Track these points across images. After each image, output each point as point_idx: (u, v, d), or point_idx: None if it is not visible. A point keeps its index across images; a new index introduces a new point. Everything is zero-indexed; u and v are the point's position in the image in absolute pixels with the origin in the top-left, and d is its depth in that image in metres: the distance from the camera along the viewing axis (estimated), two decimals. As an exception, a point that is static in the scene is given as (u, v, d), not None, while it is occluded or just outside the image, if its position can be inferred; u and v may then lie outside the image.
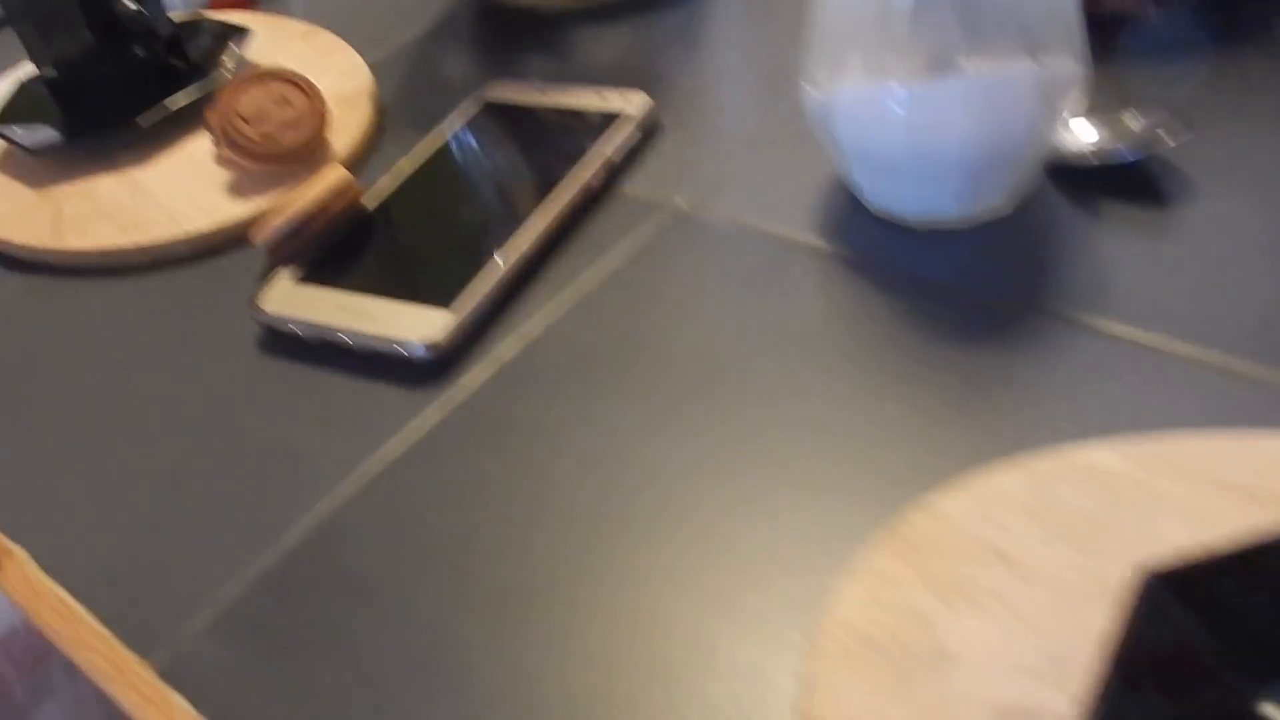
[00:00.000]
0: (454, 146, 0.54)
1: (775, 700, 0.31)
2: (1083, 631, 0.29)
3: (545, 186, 0.49)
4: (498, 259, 0.46)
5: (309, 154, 0.52)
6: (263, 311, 0.46)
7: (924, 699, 0.29)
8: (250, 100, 0.51)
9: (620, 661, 0.33)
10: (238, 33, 0.62)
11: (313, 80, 0.55)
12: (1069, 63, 0.42)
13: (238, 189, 0.53)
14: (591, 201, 0.50)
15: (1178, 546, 0.30)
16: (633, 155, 0.52)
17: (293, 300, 0.46)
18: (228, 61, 0.59)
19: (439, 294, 0.45)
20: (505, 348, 0.43)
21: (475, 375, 0.43)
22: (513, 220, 0.48)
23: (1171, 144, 0.45)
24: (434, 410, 0.41)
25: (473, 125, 0.55)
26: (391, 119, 0.59)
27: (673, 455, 0.38)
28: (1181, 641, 0.27)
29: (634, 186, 0.51)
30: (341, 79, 0.60)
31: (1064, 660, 0.29)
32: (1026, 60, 0.41)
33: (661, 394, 0.40)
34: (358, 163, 0.56)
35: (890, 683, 0.30)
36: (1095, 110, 0.47)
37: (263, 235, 0.47)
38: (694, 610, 0.34)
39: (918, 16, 0.40)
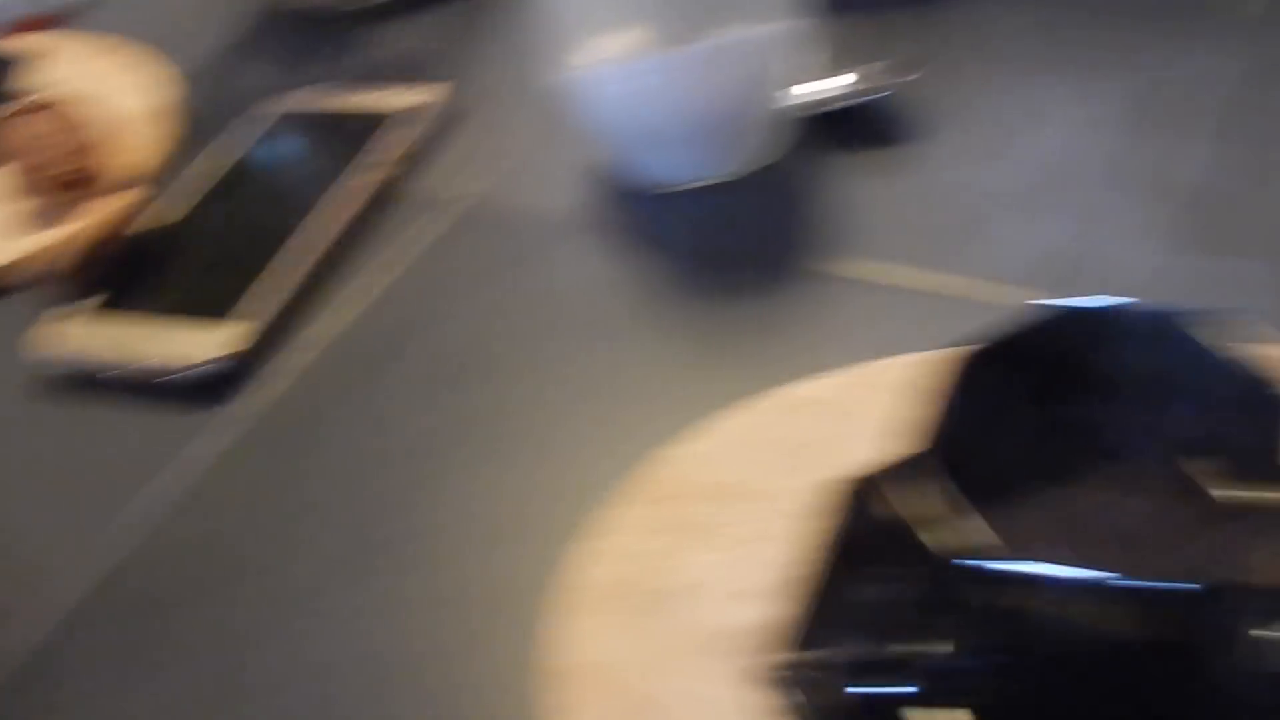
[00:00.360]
0: (252, 157, 0.55)
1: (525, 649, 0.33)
2: (804, 545, 0.31)
3: (340, 189, 0.50)
4: (291, 265, 0.47)
5: (88, 181, 0.52)
6: (48, 350, 0.45)
7: (662, 633, 0.32)
8: (22, 132, 0.51)
9: (402, 642, 0.34)
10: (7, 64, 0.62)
11: (115, 96, 0.55)
12: (796, 23, 0.45)
13: (23, 225, 0.53)
14: (387, 199, 0.51)
15: (873, 455, 0.32)
16: (426, 150, 0.54)
17: (82, 334, 0.46)
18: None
19: (234, 307, 0.45)
20: (300, 353, 0.45)
21: (273, 384, 0.44)
22: (308, 226, 0.49)
23: (907, 81, 0.48)
24: (229, 424, 0.42)
25: (270, 134, 0.56)
26: (198, 132, 0.59)
27: (445, 433, 0.40)
28: (883, 532, 0.29)
29: (428, 180, 0.52)
30: (145, 94, 0.60)
31: (790, 574, 0.31)
32: (758, 25, 0.44)
33: (440, 378, 0.42)
34: (159, 179, 0.56)
35: (629, 622, 0.32)
36: (837, 63, 0.49)
37: (46, 269, 0.47)
38: (463, 580, 0.35)
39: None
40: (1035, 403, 0.25)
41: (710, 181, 0.47)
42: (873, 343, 0.38)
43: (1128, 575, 0.22)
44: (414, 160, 0.53)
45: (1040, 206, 0.43)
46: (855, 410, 0.35)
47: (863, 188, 0.45)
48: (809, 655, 0.27)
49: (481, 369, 0.42)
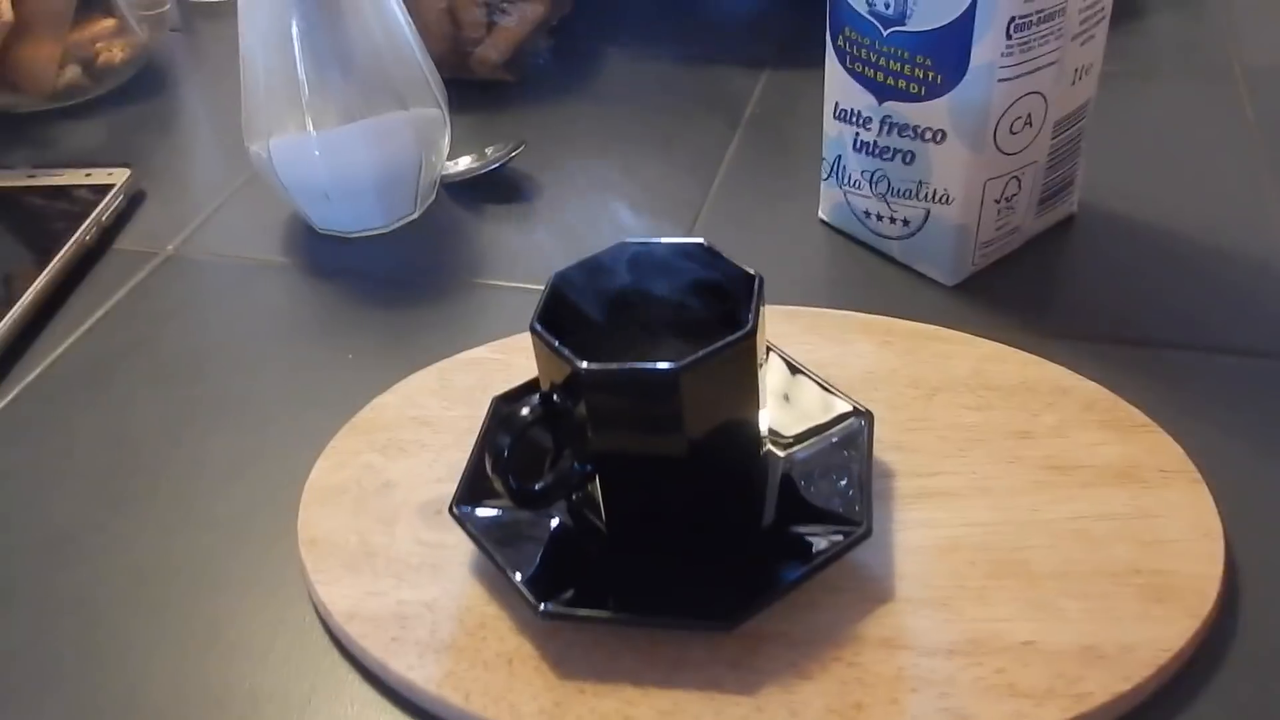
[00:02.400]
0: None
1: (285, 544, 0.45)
2: (471, 446, 0.46)
3: (41, 257, 0.60)
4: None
5: None
6: None
7: (376, 511, 0.45)
8: None
9: (172, 550, 0.46)
10: None
11: None
12: (436, 111, 0.61)
13: None
14: (87, 262, 0.62)
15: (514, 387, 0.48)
16: (122, 217, 0.65)
17: None
18: None
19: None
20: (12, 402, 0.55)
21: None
22: (9, 295, 0.57)
23: (512, 156, 0.65)
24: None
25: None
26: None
27: (182, 414, 0.52)
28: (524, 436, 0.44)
29: (125, 244, 0.64)
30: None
31: (461, 465, 0.45)
32: (403, 111, 0.59)
33: (165, 379, 0.54)
34: None
35: (352, 507, 0.45)
36: (463, 144, 0.66)
37: None
38: (206, 533, 0.47)
39: (317, 85, 0.57)
40: (609, 299, 0.42)
41: (376, 230, 0.62)
42: (510, 324, 0.54)
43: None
44: (113, 225, 0.64)
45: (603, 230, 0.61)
46: (507, 363, 0.51)
47: (490, 229, 0.62)
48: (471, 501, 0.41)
49: (212, 365, 0.54)
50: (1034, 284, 0.55)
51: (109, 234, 0.64)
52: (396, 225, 0.62)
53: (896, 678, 0.37)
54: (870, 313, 0.52)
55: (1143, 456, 0.44)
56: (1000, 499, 0.43)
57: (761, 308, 0.38)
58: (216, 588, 0.44)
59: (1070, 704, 0.36)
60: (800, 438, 0.44)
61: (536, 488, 0.39)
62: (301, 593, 0.43)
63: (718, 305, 0.41)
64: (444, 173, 0.64)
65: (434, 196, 0.64)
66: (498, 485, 0.38)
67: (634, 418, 0.38)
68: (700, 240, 0.41)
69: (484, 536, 0.41)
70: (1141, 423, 0.46)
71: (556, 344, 0.37)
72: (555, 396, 0.38)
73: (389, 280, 0.59)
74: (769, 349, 0.47)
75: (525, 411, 0.38)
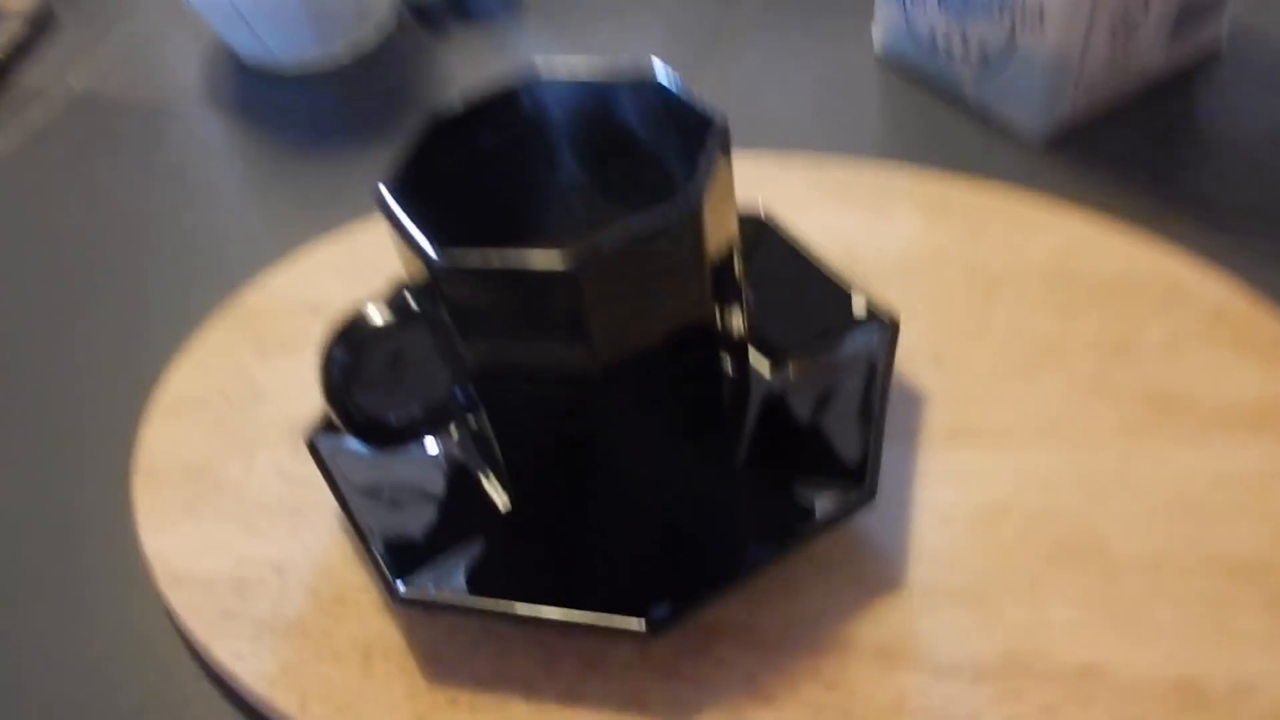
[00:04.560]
0: None
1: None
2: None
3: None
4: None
5: None
6: None
7: (237, 431, 0.34)
8: None
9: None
10: None
11: None
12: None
13: None
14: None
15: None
16: (25, 47, 0.54)
17: None
18: None
19: None
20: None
21: None
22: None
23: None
24: None
25: None
26: None
27: (34, 316, 0.41)
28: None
29: (25, 76, 0.53)
30: None
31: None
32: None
33: (36, 264, 0.43)
34: None
35: (209, 425, 0.35)
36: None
37: None
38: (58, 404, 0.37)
39: None
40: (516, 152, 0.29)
41: (316, 63, 0.50)
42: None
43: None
44: (12, 56, 0.53)
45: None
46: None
47: (461, 61, 0.49)
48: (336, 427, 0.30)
49: (98, 229, 0.43)
50: (1155, 143, 0.40)
51: (5, 66, 0.53)
52: (344, 57, 0.50)
53: (894, 710, 0.26)
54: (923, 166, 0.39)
55: (1290, 390, 0.31)
56: (1076, 446, 0.30)
57: (721, 168, 0.26)
58: (32, 528, 0.34)
59: (1150, 772, 0.24)
60: (795, 352, 0.32)
61: (393, 420, 0.28)
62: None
63: (677, 161, 0.28)
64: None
65: (395, 21, 0.52)
66: (333, 416, 0.27)
67: (521, 330, 0.26)
68: (647, 64, 0.28)
69: (348, 481, 0.30)
70: (1292, 340, 0.32)
71: (405, 221, 0.25)
72: (413, 298, 0.26)
73: (326, 125, 0.47)
74: (764, 220, 0.34)
75: (374, 316, 0.26)
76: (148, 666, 0.30)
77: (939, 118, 0.43)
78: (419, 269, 0.25)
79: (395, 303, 0.26)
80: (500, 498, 0.30)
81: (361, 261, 0.39)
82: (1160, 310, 0.33)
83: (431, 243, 0.25)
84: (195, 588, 0.31)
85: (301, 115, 0.48)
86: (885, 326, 0.31)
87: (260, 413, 0.35)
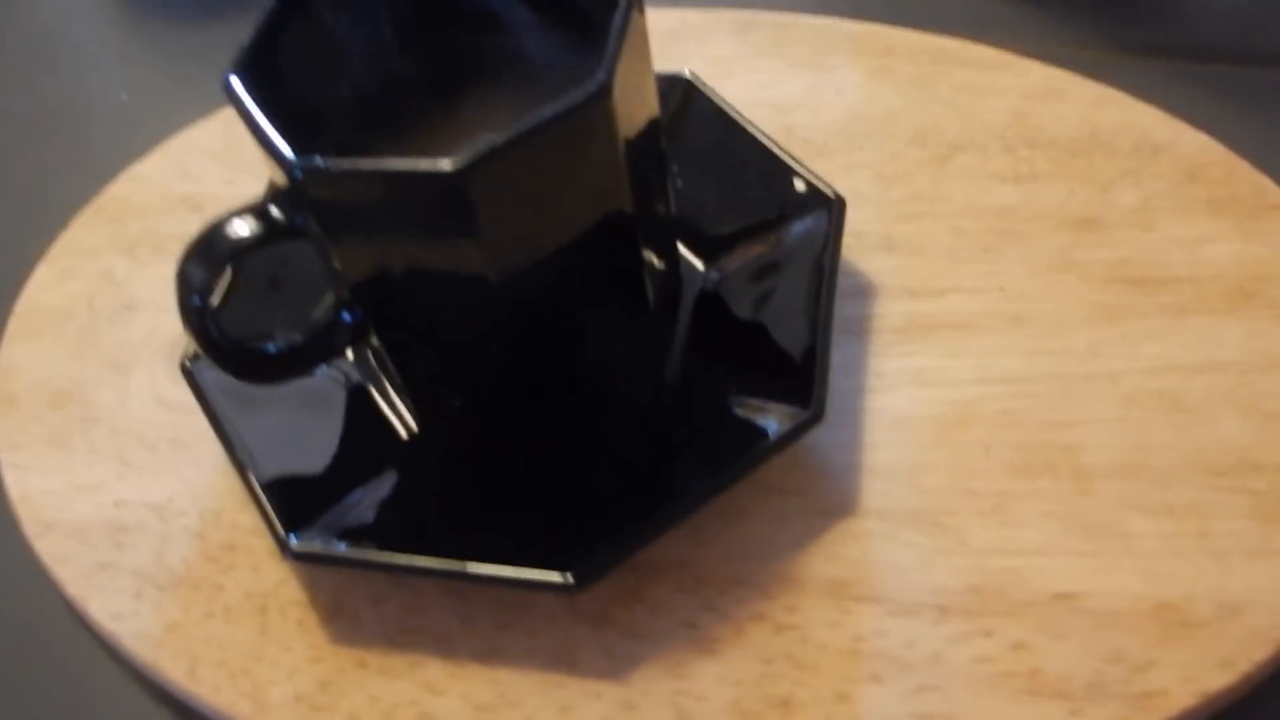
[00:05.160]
0: None
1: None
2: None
3: None
4: None
5: None
6: None
7: (107, 350, 0.30)
8: None
9: None
10: None
11: None
12: None
13: None
14: None
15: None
16: None
17: None
18: None
19: None
20: None
21: None
22: None
23: None
24: None
25: None
26: None
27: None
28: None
29: None
30: None
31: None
32: None
33: None
34: None
35: (75, 342, 0.31)
36: None
37: None
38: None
39: None
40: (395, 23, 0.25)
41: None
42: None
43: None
44: None
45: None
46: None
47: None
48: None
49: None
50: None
51: None
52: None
53: (850, 654, 0.23)
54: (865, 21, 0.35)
55: (1278, 262, 0.28)
56: (1041, 337, 0.27)
57: (636, 26, 0.22)
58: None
59: (1128, 710, 0.22)
60: (727, 243, 0.28)
61: (270, 348, 0.24)
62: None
63: (583, 30, 0.24)
64: None
65: None
66: (195, 343, 0.23)
67: (405, 241, 0.22)
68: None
69: (233, 413, 0.26)
70: (1277, 203, 0.29)
71: (259, 118, 0.21)
72: (277, 207, 0.22)
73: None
74: (689, 84, 0.30)
75: (241, 227, 0.22)
76: (19, 624, 0.27)
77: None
78: (280, 174, 0.21)
79: (269, 209, 0.22)
80: (403, 430, 0.27)
81: (237, 143, 0.34)
82: (1128, 172, 0.30)
83: (291, 141, 0.20)
84: (67, 537, 0.27)
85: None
86: (829, 208, 0.27)
87: (133, 327, 0.31)
